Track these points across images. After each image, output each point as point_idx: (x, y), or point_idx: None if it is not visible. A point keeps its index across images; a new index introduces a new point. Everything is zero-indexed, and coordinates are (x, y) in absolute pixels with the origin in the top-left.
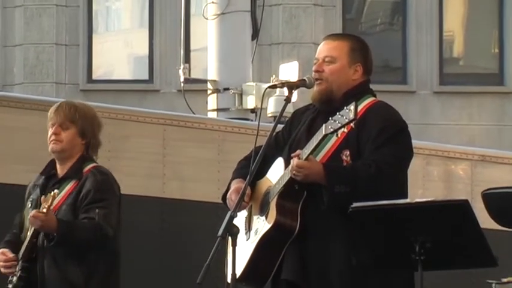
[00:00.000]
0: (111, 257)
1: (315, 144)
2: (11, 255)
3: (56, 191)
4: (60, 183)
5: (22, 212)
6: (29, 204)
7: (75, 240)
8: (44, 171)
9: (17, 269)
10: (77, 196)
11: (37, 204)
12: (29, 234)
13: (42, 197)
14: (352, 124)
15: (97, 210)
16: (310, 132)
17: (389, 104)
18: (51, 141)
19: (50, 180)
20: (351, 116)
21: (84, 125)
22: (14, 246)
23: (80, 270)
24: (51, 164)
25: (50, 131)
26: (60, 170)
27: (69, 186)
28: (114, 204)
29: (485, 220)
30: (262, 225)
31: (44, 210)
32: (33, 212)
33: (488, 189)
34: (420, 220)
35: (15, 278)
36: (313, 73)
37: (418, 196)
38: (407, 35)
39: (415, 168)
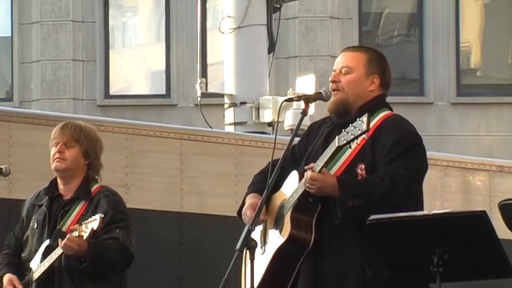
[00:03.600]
0: (124, 275)
1: (328, 156)
2: (19, 286)
3: (101, 215)
4: (69, 204)
5: (20, 231)
6: (34, 225)
7: (105, 261)
8: (48, 191)
9: None
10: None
11: (43, 225)
12: (54, 257)
13: (76, 225)
14: (365, 136)
15: (118, 231)
16: (326, 146)
17: (405, 118)
18: (56, 159)
19: (53, 201)
20: (364, 127)
21: (88, 146)
22: (16, 269)
23: None
24: (55, 185)
25: (54, 149)
26: (65, 190)
27: (79, 207)
28: (131, 224)
29: (503, 231)
30: (276, 238)
31: (83, 234)
32: (68, 237)
33: (505, 200)
34: (438, 232)
35: None
36: (330, 84)
37: (436, 207)
38: (424, 46)
39: (432, 179)
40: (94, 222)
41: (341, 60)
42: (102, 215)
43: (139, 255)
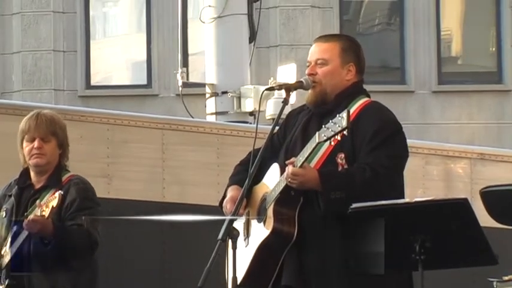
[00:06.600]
0: (94, 265)
1: (308, 152)
2: None
3: (60, 192)
4: (39, 192)
5: None
6: (3, 214)
7: (70, 245)
8: (19, 181)
9: (2, 277)
10: (61, 205)
11: (12, 214)
12: (20, 240)
13: (37, 201)
14: (345, 132)
15: (83, 218)
16: (304, 135)
17: (383, 105)
18: (35, 155)
19: (24, 190)
20: (344, 123)
21: (62, 136)
22: None
23: (68, 279)
24: (26, 174)
25: (30, 145)
26: (36, 179)
27: (49, 195)
28: (98, 212)
29: (485, 218)
30: (260, 232)
31: (44, 213)
32: (31, 216)
33: (486, 187)
34: (420, 219)
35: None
36: (307, 76)
37: (418, 195)
38: (405, 35)
39: (414, 167)
40: (54, 200)
41: (315, 51)
42: (61, 192)
43: (121, 244)
